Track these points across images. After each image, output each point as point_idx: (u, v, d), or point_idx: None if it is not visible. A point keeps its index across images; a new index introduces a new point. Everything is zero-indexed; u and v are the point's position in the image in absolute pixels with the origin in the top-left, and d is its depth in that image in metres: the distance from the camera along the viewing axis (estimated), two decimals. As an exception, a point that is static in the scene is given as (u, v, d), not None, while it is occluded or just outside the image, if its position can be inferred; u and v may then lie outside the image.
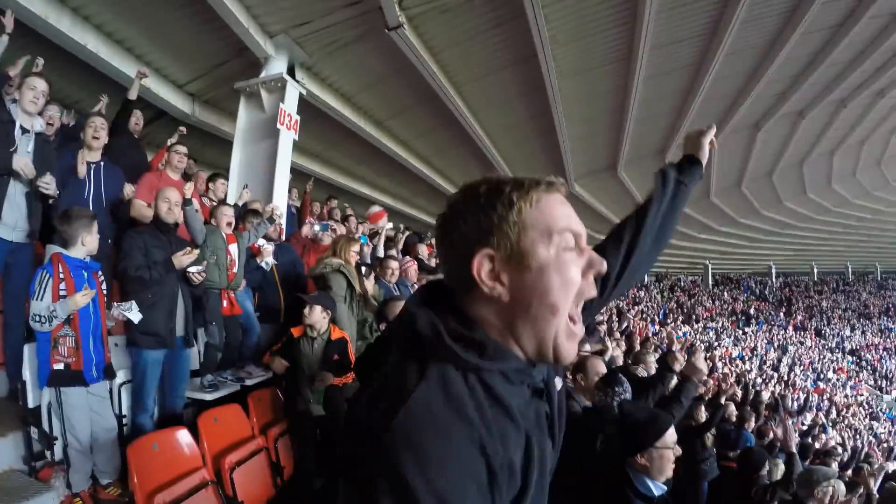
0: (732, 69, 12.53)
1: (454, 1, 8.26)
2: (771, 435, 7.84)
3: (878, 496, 6.22)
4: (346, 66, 9.47)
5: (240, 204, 6.95)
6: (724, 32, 10.52)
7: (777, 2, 10.54)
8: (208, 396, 4.82)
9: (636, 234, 1.39)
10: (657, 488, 2.41)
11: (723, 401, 7.06)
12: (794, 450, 6.21)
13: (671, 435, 2.45)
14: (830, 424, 17.40)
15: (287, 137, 8.51)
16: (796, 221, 26.64)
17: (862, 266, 41.78)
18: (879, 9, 11.59)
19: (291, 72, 8.62)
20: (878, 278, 42.27)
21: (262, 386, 5.37)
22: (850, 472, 8.90)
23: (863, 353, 28.71)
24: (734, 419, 7.78)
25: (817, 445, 11.15)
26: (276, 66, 8.45)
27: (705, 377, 4.90)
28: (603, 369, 4.08)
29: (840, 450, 12.81)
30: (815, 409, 18.14)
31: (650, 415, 2.66)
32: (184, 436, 3.92)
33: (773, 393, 15.53)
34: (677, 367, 4.75)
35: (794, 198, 23.72)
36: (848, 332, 30.76)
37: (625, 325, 13.46)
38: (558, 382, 1.10)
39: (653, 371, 5.63)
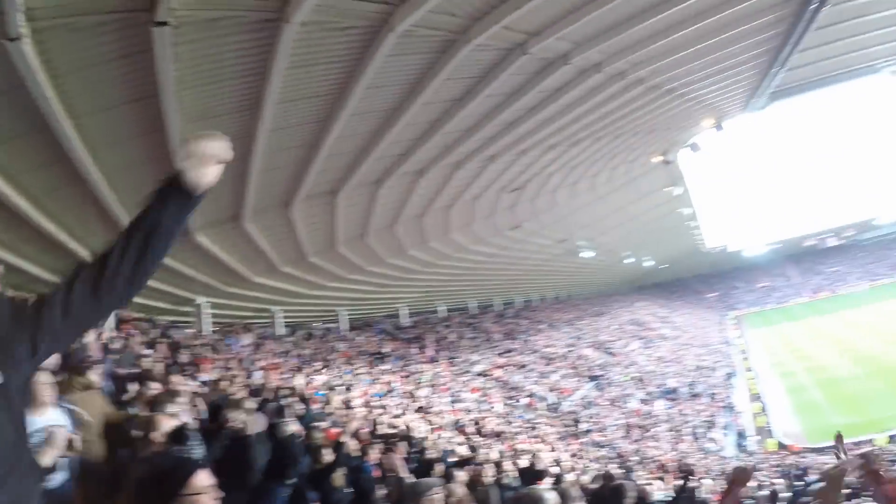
0: (356, 129, 13.94)
1: (86, 21, 7.83)
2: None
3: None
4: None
5: None
6: (350, 95, 11.79)
7: (401, 73, 12.29)
8: None
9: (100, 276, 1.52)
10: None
11: (344, 439, 8.09)
12: (402, 473, 7.42)
13: (201, 479, 2.39)
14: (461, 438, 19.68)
15: None
16: (420, 267, 29.34)
17: (483, 301, 48.60)
18: (494, 90, 14.28)
19: None
20: (498, 309, 50.53)
21: None
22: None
23: (491, 373, 33.77)
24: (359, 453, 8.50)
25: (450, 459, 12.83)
26: None
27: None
28: (168, 427, 4.43)
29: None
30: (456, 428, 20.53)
31: (175, 461, 2.69)
32: None
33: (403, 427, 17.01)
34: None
35: (416, 246, 25.93)
36: (476, 357, 35.76)
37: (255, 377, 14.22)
38: None
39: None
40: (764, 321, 79.25)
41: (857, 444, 26.15)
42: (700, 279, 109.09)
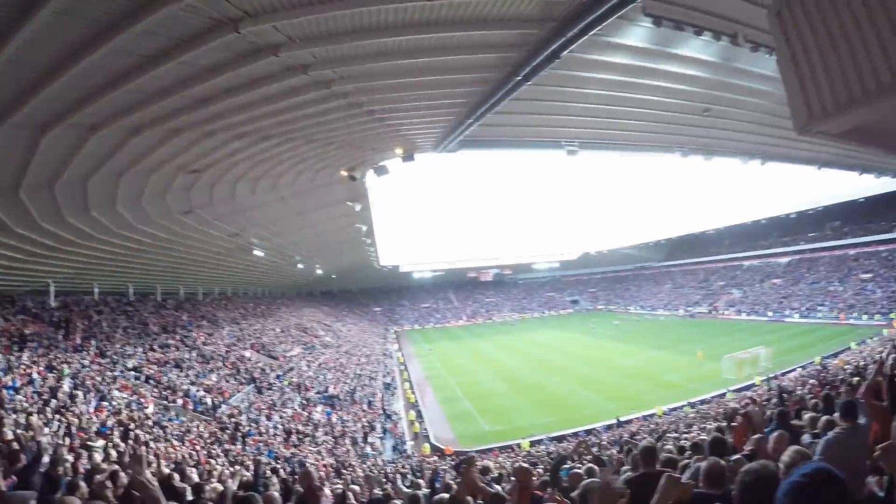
0: (32, 58, 12.15)
1: None
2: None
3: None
4: None
5: None
6: (34, 15, 10.15)
7: (97, 8, 10.80)
8: None
9: None
10: None
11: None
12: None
13: None
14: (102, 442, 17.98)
15: None
16: (77, 238, 26.73)
17: (143, 288, 45.71)
18: (192, 58, 13.29)
19: None
20: (158, 299, 48.11)
21: None
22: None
23: (145, 369, 31.54)
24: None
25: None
26: None
27: None
28: None
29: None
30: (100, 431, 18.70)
31: None
32: None
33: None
34: None
35: (75, 213, 23.49)
36: (130, 350, 33.20)
37: None
38: None
39: None
40: (424, 338, 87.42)
41: (503, 448, 30.20)
42: (368, 293, 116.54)
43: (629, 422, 32.27)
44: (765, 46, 14.55)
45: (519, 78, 16.60)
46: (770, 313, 79.71)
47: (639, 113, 22.35)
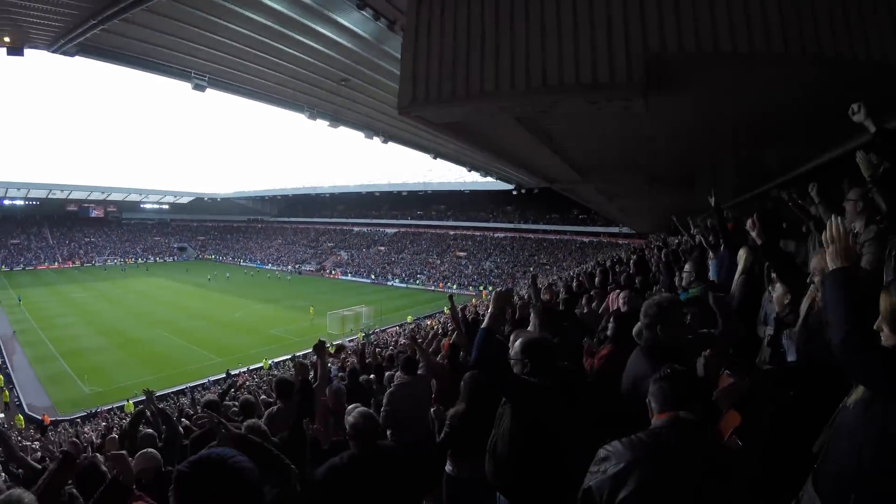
0: None
1: None
2: None
3: None
4: None
5: None
6: None
7: None
8: None
9: None
10: None
11: None
12: None
13: None
14: None
15: None
16: None
17: None
18: None
19: None
20: None
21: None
22: None
23: None
24: None
25: None
26: None
27: None
28: None
29: None
30: None
31: None
32: None
33: None
34: None
35: None
36: None
37: None
38: None
39: None
40: (11, 283, 76.39)
41: (110, 410, 28.40)
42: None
43: (237, 375, 32.77)
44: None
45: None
46: (373, 276, 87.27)
47: (278, 64, 21.92)
